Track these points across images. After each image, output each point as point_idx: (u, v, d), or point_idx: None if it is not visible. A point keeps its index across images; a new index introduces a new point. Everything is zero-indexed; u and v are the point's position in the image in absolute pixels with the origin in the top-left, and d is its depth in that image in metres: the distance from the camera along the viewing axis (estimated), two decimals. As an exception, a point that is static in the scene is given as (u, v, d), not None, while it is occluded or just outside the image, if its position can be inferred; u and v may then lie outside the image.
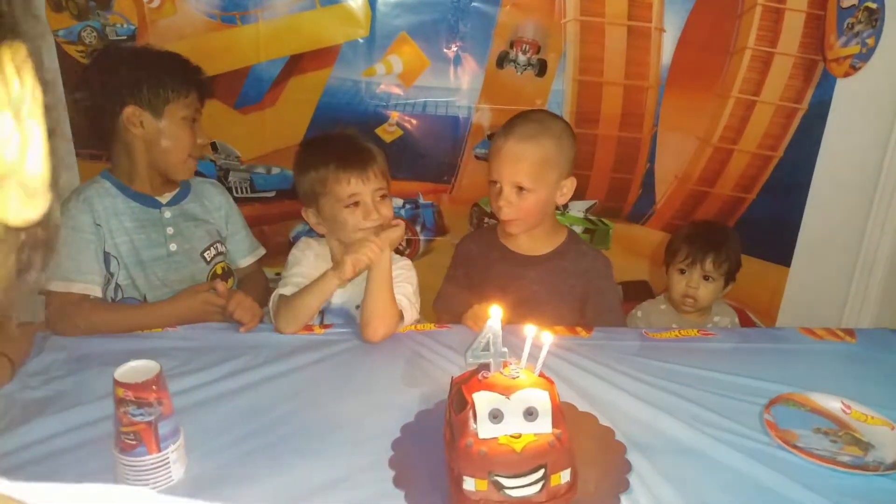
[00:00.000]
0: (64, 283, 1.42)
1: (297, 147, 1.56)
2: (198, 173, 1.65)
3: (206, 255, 1.62)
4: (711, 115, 2.06)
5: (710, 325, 1.76)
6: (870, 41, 1.86)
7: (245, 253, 1.72)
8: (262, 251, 1.76)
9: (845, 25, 1.87)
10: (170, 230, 1.57)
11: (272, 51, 1.97)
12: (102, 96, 1.48)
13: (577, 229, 2.10)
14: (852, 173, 2.06)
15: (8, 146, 0.31)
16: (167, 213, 1.58)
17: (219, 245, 1.65)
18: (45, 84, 0.33)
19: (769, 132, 2.06)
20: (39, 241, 0.34)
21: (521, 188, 1.48)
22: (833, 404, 1.15)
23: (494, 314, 0.99)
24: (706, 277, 1.73)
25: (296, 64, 1.99)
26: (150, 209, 1.56)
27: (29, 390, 1.19)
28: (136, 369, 0.97)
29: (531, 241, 1.59)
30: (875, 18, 1.84)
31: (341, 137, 1.50)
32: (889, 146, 1.99)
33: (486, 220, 2.14)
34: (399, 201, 2.11)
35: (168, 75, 1.50)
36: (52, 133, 0.34)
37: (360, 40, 1.97)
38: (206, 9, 1.94)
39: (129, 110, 1.47)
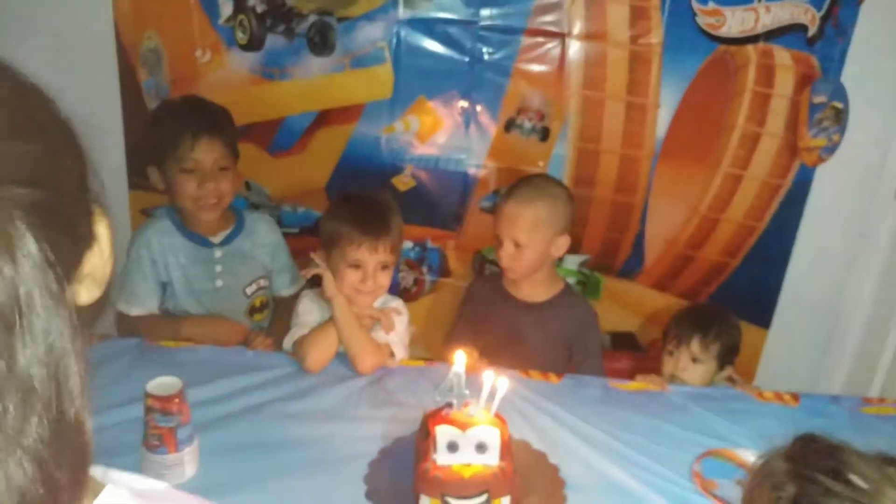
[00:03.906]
0: (126, 305, 1.70)
1: (336, 197, 1.71)
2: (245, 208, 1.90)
3: (247, 290, 1.83)
4: (701, 185, 2.22)
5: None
6: (835, 137, 2.05)
7: (288, 283, 1.92)
8: (302, 282, 1.93)
9: (814, 119, 2.05)
10: (218, 268, 1.77)
11: (304, 105, 2.22)
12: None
13: (571, 280, 2.28)
14: (831, 245, 2.21)
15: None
16: (217, 253, 1.77)
17: (261, 280, 1.85)
18: None
19: (755, 204, 2.21)
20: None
21: (517, 244, 1.71)
22: (754, 460, 1.30)
23: (459, 360, 1.18)
24: (694, 360, 1.70)
25: (324, 118, 2.23)
26: (202, 248, 1.76)
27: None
28: (163, 384, 1.18)
29: (531, 289, 1.81)
30: (840, 117, 2.02)
31: (373, 203, 1.61)
32: (864, 230, 2.14)
33: (487, 265, 2.33)
34: (409, 243, 2.32)
35: (169, 132, 1.64)
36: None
37: (383, 101, 2.20)
38: (249, 65, 2.19)
39: (150, 168, 1.71)
